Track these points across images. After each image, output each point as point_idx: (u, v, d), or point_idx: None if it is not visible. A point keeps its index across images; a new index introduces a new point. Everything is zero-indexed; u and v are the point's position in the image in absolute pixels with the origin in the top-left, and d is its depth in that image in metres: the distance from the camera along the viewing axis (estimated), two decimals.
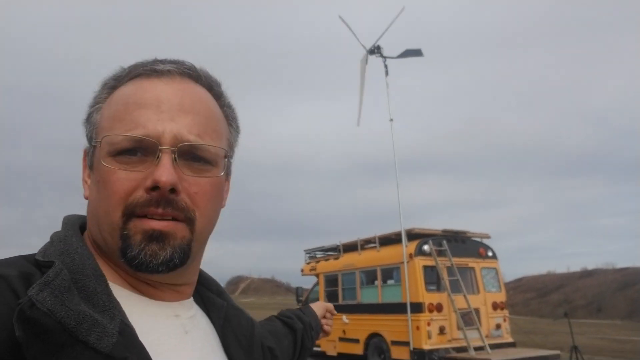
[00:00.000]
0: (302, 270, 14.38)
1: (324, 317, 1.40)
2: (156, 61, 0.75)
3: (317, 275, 13.57)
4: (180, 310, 0.77)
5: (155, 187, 0.66)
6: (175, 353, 0.71)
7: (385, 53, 13.20)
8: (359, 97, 13.60)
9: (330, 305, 1.45)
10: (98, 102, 0.76)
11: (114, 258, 0.70)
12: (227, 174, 0.79)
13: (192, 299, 0.83)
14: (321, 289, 13.17)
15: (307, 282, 15.44)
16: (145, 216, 0.67)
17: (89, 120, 0.76)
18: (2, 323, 0.56)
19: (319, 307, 1.40)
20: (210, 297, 0.89)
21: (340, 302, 12.31)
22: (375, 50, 13.30)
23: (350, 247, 12.88)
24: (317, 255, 14.35)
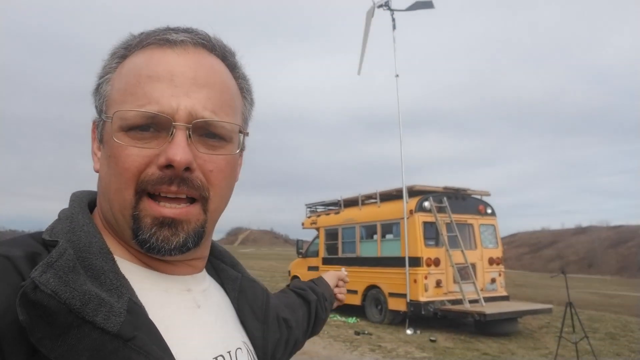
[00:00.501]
0: (302, 224, 14.60)
1: (337, 285, 1.39)
2: (168, 30, 0.71)
3: (317, 229, 13.80)
4: (192, 284, 0.76)
5: (169, 166, 0.64)
6: (187, 328, 0.70)
7: (393, 6, 12.77)
8: (362, 46, 13.24)
9: (342, 274, 1.44)
10: (107, 73, 0.72)
11: (125, 236, 0.69)
12: (242, 149, 0.76)
13: (204, 271, 0.81)
14: (321, 242, 13.42)
15: (307, 235, 15.73)
16: (158, 194, 0.66)
17: (98, 91, 0.72)
18: (8, 306, 0.54)
19: (331, 276, 1.39)
20: (224, 269, 0.88)
21: (340, 255, 12.60)
22: (383, 3, 12.84)
23: (351, 202, 13.02)
24: (318, 210, 14.53)
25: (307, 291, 1.23)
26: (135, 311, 0.61)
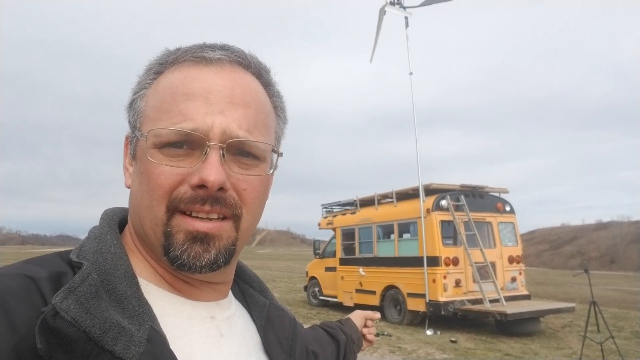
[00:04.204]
0: (319, 225, 14.59)
1: (365, 325, 1.32)
2: (205, 46, 0.71)
3: (334, 229, 13.78)
4: (217, 311, 0.74)
5: (202, 185, 0.64)
6: (207, 359, 0.68)
7: (406, 3, 12.68)
8: (375, 36, 13.22)
9: (370, 313, 1.36)
10: (142, 88, 0.72)
11: (155, 253, 0.68)
12: (274, 169, 0.76)
13: (230, 297, 0.80)
14: (338, 242, 13.40)
15: (323, 235, 15.70)
16: (190, 213, 0.65)
17: (132, 107, 0.73)
18: (29, 329, 0.53)
19: (358, 316, 1.33)
20: (252, 294, 0.87)
21: (357, 255, 12.56)
22: (395, 0, 12.77)
23: (367, 202, 12.97)
24: (334, 210, 14.51)
25: (337, 330, 1.20)
26: (156, 340, 0.60)
